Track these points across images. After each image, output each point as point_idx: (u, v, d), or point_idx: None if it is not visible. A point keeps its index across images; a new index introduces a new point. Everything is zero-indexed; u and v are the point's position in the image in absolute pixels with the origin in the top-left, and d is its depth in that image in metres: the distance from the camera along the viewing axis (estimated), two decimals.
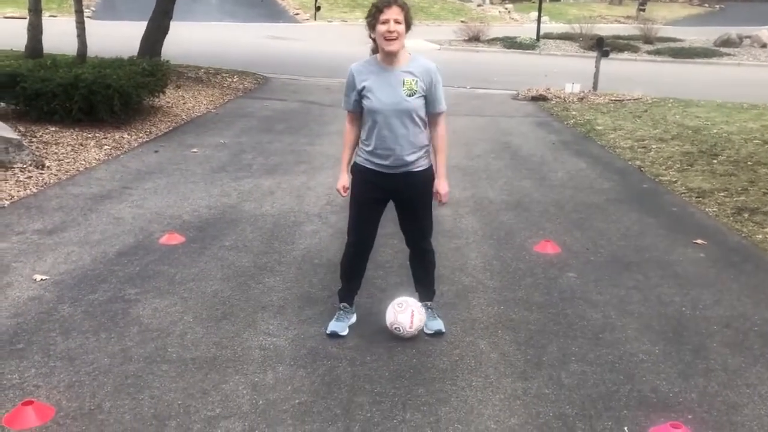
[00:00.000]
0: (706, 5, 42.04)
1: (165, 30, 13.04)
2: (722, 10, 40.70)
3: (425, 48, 22.25)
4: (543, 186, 6.56)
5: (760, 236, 5.20)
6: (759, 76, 17.59)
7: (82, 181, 6.25)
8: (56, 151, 7.16)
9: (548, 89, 13.13)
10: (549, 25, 29.55)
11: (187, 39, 18.49)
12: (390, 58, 3.20)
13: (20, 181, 6.06)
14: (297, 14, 34.86)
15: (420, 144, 3.27)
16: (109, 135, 8.01)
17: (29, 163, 6.48)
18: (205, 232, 4.98)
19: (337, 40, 23.32)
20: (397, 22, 3.12)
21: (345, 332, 3.48)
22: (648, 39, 23.77)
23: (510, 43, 23.76)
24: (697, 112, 10.98)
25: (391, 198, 3.40)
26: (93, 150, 7.37)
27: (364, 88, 3.22)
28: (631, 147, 8.41)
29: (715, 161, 7.61)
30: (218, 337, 3.41)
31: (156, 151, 7.56)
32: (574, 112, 11.04)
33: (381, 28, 3.12)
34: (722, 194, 6.31)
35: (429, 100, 3.27)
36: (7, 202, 5.51)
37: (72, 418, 2.71)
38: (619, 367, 3.21)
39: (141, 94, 8.81)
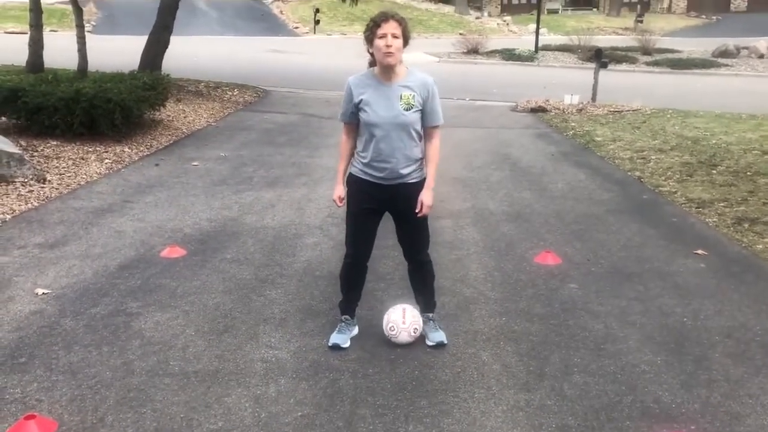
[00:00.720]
0: (703, 17, 42.23)
1: (165, 44, 13.11)
2: (719, 22, 40.87)
3: (424, 60, 22.35)
4: (543, 197, 6.58)
5: (761, 246, 5.21)
6: (757, 86, 17.66)
7: (83, 195, 6.27)
8: (57, 165, 7.18)
9: (547, 101, 13.18)
10: (547, 37, 29.67)
11: (188, 53, 18.59)
12: (388, 72, 3.23)
13: (21, 195, 6.07)
14: (296, 28, 35.03)
15: (415, 157, 3.31)
16: (109, 149, 8.04)
17: (30, 177, 6.50)
18: (207, 245, 4.99)
19: (337, 53, 23.42)
20: (394, 36, 3.14)
21: (347, 344, 3.48)
22: (646, 50, 23.86)
23: (508, 55, 23.85)
24: (696, 122, 11.02)
25: (387, 209, 3.42)
26: (94, 164, 7.40)
27: (361, 101, 3.25)
28: (631, 158, 8.43)
29: (714, 171, 7.63)
30: (220, 350, 3.41)
31: (157, 165, 7.58)
32: (573, 124, 11.08)
33: (379, 42, 3.15)
34: (722, 204, 6.32)
35: (426, 113, 3.30)
36: (9, 216, 5.52)
37: None
38: (622, 378, 3.21)
39: (142, 108, 8.85)
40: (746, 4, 45.37)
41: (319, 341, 3.52)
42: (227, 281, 4.32)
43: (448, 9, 42.18)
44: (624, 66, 21.72)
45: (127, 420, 2.80)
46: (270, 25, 35.09)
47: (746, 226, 5.69)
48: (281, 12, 38.42)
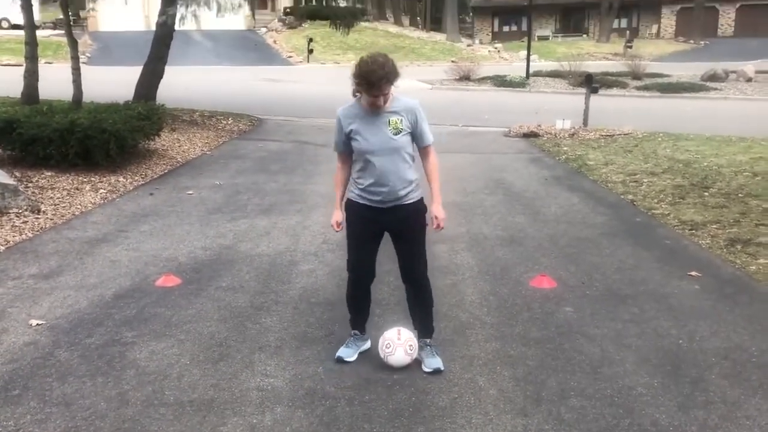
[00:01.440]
0: (691, 42, 42.84)
1: (160, 74, 13.22)
2: (706, 46, 41.46)
3: (417, 87, 22.55)
4: (537, 221, 6.61)
5: (754, 267, 5.23)
6: (746, 109, 17.87)
7: (77, 225, 6.27)
8: (52, 195, 7.19)
9: (539, 126, 13.29)
10: (538, 64, 30.03)
11: (183, 83, 18.71)
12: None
13: (16, 226, 6.07)
14: (290, 57, 35.35)
15: (409, 179, 3.41)
16: (104, 179, 8.05)
17: (25, 208, 6.50)
18: (201, 274, 4.98)
19: (330, 82, 23.60)
20: (384, 94, 3.25)
21: (352, 358, 3.55)
22: (636, 75, 24.16)
23: (500, 82, 24.10)
24: (687, 145, 11.13)
25: (386, 230, 3.51)
26: (89, 194, 7.41)
27: (351, 131, 3.36)
28: (623, 181, 8.49)
29: (706, 194, 7.69)
30: (216, 379, 3.39)
31: (151, 194, 7.59)
32: (565, 148, 11.17)
33: (370, 99, 3.26)
34: (715, 226, 6.36)
35: (416, 135, 3.42)
36: (3, 248, 5.51)
37: None
38: (619, 401, 3.20)
39: (136, 138, 8.89)
40: (733, 29, 46.10)
41: (314, 369, 3.50)
42: (222, 309, 4.31)
43: (439, 37, 42.71)
44: (614, 91, 21.95)
45: None
46: (264, 54, 35.42)
47: (739, 247, 5.72)
48: (275, 41, 38.82)
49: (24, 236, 5.84)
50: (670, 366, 3.57)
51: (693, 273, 5.05)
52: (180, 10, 12.15)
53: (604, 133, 12.54)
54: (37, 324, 4.02)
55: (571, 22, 48.80)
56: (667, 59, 35.38)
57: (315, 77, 26.82)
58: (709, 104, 19.42)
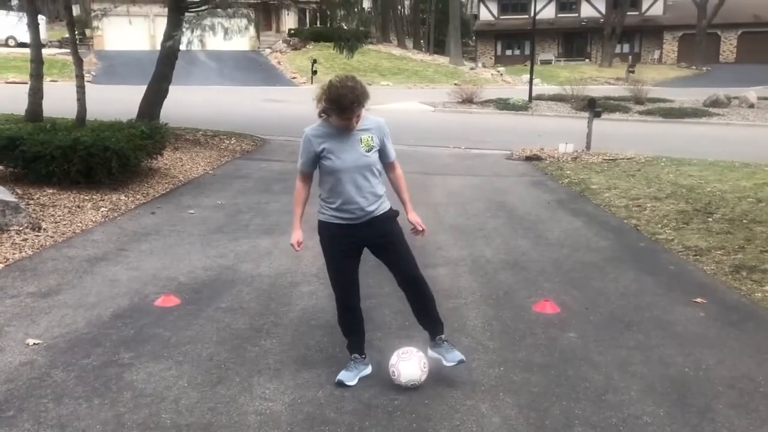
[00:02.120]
0: (693, 67, 43.11)
1: (164, 93, 13.27)
2: (708, 72, 41.72)
3: (420, 110, 22.63)
4: (540, 245, 6.57)
5: (759, 294, 5.17)
6: (748, 135, 17.89)
7: (77, 243, 6.23)
8: (53, 213, 7.16)
9: (542, 149, 13.31)
10: (541, 87, 30.16)
11: (187, 102, 18.79)
12: None
13: (16, 243, 6.04)
14: (294, 78, 35.57)
15: (380, 193, 3.52)
16: (106, 197, 8.04)
17: (25, 225, 6.48)
18: (201, 294, 4.94)
19: None
20: (357, 116, 3.34)
21: (353, 382, 3.50)
22: (638, 99, 24.24)
23: (503, 105, 24.18)
24: (690, 170, 11.11)
25: (364, 245, 3.55)
26: (90, 212, 7.38)
27: (324, 149, 3.40)
28: (626, 206, 8.46)
29: (710, 219, 7.65)
30: (213, 403, 3.33)
31: (153, 213, 7.57)
32: (568, 172, 11.15)
33: (343, 122, 3.34)
34: (719, 252, 6.31)
35: (383, 152, 3.53)
36: (2, 265, 5.47)
37: None
38: (624, 431, 3.14)
39: (139, 157, 8.89)
40: (735, 55, 46.41)
41: (314, 393, 3.44)
42: (221, 331, 4.25)
43: (442, 60, 43.00)
44: (617, 115, 22.01)
45: None
46: (268, 75, 35.65)
47: (744, 274, 5.67)
48: (279, 63, 39.09)
49: (24, 254, 5.81)
50: (676, 395, 3.51)
51: (698, 299, 5.00)
52: (186, 34, 12.23)
53: (606, 157, 12.54)
54: (34, 343, 3.97)
55: (574, 47, 49.16)
56: (670, 84, 35.58)
57: None
58: (711, 130, 19.45)
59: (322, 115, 3.42)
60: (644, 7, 47.48)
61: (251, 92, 27.79)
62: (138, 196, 8.34)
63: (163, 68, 13.24)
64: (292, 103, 24.27)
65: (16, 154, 8.02)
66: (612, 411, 3.32)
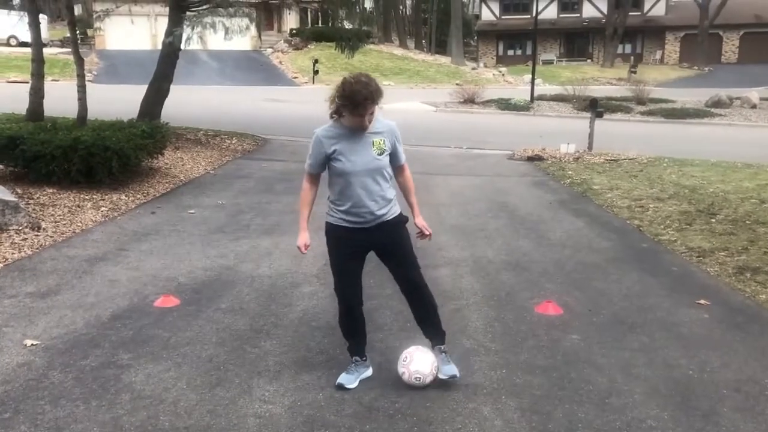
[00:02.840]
0: (695, 68, 43.03)
1: (165, 93, 13.24)
2: (710, 73, 41.65)
3: (421, 110, 22.59)
4: (541, 245, 6.52)
5: (764, 296, 5.13)
6: (751, 135, 17.84)
7: (77, 243, 6.20)
8: (53, 212, 7.13)
9: (544, 149, 13.26)
10: (543, 87, 30.10)
11: (188, 102, 18.76)
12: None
13: (15, 243, 6.00)
14: (295, 77, 35.54)
15: (390, 197, 3.47)
16: (106, 197, 8.00)
17: (25, 225, 6.44)
18: (201, 294, 4.90)
19: None
20: (371, 113, 3.29)
21: (353, 385, 3.46)
22: (640, 100, 24.18)
23: (504, 105, 24.13)
24: (693, 171, 11.06)
25: (371, 249, 3.51)
26: (90, 211, 7.35)
27: (335, 151, 3.37)
28: (629, 206, 8.41)
29: (713, 220, 7.60)
30: (212, 405, 3.30)
31: (153, 213, 7.54)
32: (570, 172, 11.11)
33: (356, 119, 3.29)
34: (723, 254, 6.27)
35: (394, 155, 3.49)
36: (1, 265, 5.44)
37: None
38: None
39: (140, 156, 8.86)
40: (737, 55, 46.34)
41: (314, 395, 3.41)
42: (221, 332, 4.22)
43: (444, 60, 42.97)
44: (619, 115, 21.95)
45: None
46: (269, 75, 35.61)
47: (748, 275, 5.63)
48: (280, 62, 39.06)
49: (23, 253, 5.78)
50: (680, 398, 3.47)
51: (702, 301, 4.95)
52: (186, 31, 12.21)
53: (608, 158, 12.50)
54: (32, 344, 3.93)
55: (576, 47, 49.10)
56: (672, 85, 35.51)
57: (320, 98, 26.89)
58: (713, 130, 19.39)
59: (334, 116, 3.38)
60: (646, 7, 47.42)
61: (252, 92, 27.75)
62: (138, 196, 8.31)
63: (164, 68, 13.21)
64: (294, 103, 24.24)
65: (16, 154, 7.99)
66: (615, 414, 3.28)
